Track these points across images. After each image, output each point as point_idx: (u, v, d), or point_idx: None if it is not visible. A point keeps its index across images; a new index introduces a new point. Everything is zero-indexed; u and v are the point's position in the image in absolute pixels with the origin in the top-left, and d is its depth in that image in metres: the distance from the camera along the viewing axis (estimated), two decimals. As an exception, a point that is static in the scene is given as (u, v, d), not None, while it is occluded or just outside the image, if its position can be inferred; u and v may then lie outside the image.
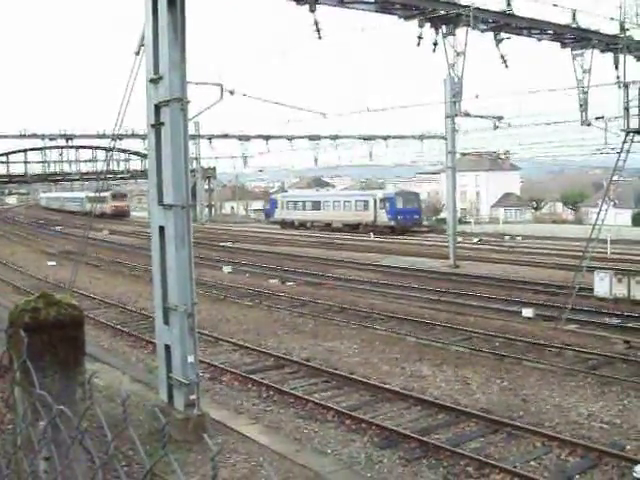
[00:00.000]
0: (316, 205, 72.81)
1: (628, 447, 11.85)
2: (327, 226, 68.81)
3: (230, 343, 19.58)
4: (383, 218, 63.63)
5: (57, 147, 76.33)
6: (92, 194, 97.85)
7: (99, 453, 2.26)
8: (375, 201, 64.70)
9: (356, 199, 68.74)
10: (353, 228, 65.18)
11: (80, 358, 2.91)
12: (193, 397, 11.91)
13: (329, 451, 11.74)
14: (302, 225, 71.99)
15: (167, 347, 12.25)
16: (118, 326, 21.74)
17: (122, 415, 2.31)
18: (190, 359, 11.88)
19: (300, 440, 12.25)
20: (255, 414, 13.67)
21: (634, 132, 19.09)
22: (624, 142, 19.46)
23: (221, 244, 51.56)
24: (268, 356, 18.17)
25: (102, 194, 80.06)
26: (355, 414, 13.40)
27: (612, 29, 27.58)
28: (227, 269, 35.79)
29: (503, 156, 79.93)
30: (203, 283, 29.40)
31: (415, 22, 28.90)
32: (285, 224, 74.50)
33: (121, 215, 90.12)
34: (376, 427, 12.71)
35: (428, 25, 29.54)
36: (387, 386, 15.27)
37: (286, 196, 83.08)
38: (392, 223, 62.84)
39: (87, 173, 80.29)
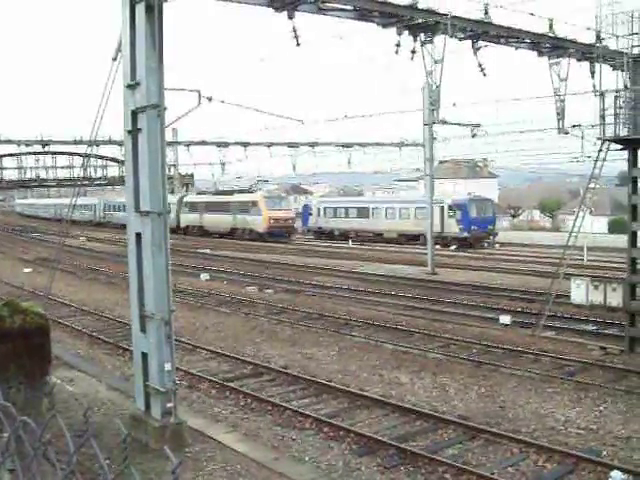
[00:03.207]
0: (363, 212, 63.07)
1: (604, 453, 11.90)
2: (376, 237, 60.45)
3: (208, 351, 19.49)
4: (453, 228, 54.50)
5: (33, 153, 75.82)
6: (113, 199, 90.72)
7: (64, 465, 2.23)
8: (442, 208, 54.01)
9: (417, 206, 56.23)
10: (411, 239, 55.84)
11: (46, 368, 2.88)
12: (170, 405, 11.82)
13: (307, 459, 11.69)
14: (343, 235, 63.19)
15: (144, 355, 12.17)
16: (95, 334, 21.57)
17: (85, 426, 2.28)
18: (167, 367, 11.80)
19: (278, 448, 12.20)
20: (233, 422, 13.60)
21: (610, 140, 19.23)
22: (600, 150, 19.60)
23: (199, 251, 51.38)
24: (246, 364, 18.10)
25: (247, 196, 65.78)
26: (333, 421, 13.37)
27: (588, 38, 27.83)
28: (205, 276, 35.65)
29: (481, 164, 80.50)
30: (181, 290, 29.30)
31: (393, 30, 28.97)
32: (322, 234, 66.80)
33: (282, 235, 62.66)
34: (354, 434, 12.68)
35: (406, 33, 29.60)
36: (365, 393, 15.25)
37: (324, 201, 75.21)
38: (464, 234, 53.96)
39: (64, 179, 79.83)
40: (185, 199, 74.51)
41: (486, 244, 55.49)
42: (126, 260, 12.82)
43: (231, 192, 70.49)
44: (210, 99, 14.72)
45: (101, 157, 79.20)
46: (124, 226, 13.40)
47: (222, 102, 18.46)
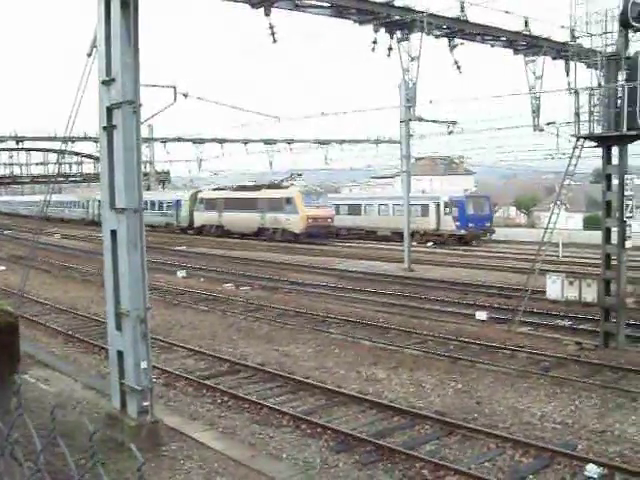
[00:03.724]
0: (355, 209, 62.21)
1: (580, 447, 12.00)
2: (369, 234, 59.37)
3: (184, 348, 19.40)
4: (449, 226, 54.45)
5: (7, 149, 75.16)
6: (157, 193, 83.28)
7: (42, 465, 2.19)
8: (438, 205, 54.92)
9: (411, 203, 54.23)
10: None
11: (15, 366, 2.84)
12: (146, 404, 11.74)
13: (284, 456, 11.67)
14: (333, 233, 58.88)
15: (120, 353, 12.08)
16: (70, 332, 21.39)
17: (52, 424, 2.24)
18: (143, 365, 11.72)
19: (255, 445, 12.17)
20: (210, 420, 13.54)
21: (584, 138, 19.36)
22: (575, 147, 19.72)
23: (176, 248, 51.17)
24: (223, 361, 18.04)
25: (280, 191, 58.42)
26: (310, 418, 13.36)
27: (563, 37, 28.02)
28: (181, 274, 35.50)
29: (457, 161, 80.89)
30: (157, 288, 29.18)
31: (370, 27, 29.02)
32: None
33: (320, 236, 56.16)
34: (331, 431, 12.67)
35: (383, 30, 29.66)
36: (342, 390, 15.25)
37: None
38: (461, 232, 53.88)
39: (38, 176, 79.24)
40: (200, 195, 68.36)
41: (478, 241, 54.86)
42: (101, 257, 12.72)
43: (258, 187, 62.44)
44: (186, 95, 14.69)
45: (76, 154, 78.73)
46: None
47: (198, 98, 18.42)
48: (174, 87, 12.96)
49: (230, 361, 17.96)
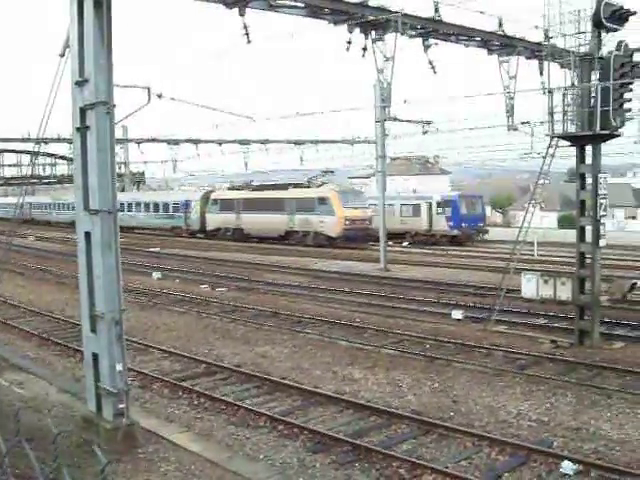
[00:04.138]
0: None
1: (555, 444, 12.08)
2: None
3: (160, 350, 19.30)
4: (442, 226, 53.39)
5: (-22, 151, 74.49)
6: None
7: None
8: (430, 205, 54.22)
9: (402, 203, 55.52)
10: (394, 237, 50.14)
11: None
12: (122, 406, 11.67)
13: (261, 457, 11.64)
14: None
15: (95, 356, 11.99)
16: (44, 335, 21.20)
17: (17, 426, 2.22)
18: (118, 367, 11.65)
19: (232, 447, 12.13)
20: (186, 422, 13.48)
21: (558, 137, 19.50)
22: (549, 147, 19.85)
23: (151, 250, 50.93)
24: (199, 363, 17.96)
25: (312, 191, 53.06)
26: (287, 419, 13.34)
27: (537, 37, 28.20)
28: (157, 275, 35.33)
29: (432, 160, 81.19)
30: (132, 290, 29.01)
31: (344, 27, 29.03)
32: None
33: (358, 239, 50.51)
34: (308, 432, 12.67)
35: (357, 30, 29.69)
36: (319, 390, 15.25)
37: None
38: (454, 232, 52.77)
39: (11, 178, 78.50)
40: (214, 195, 63.24)
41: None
42: (76, 259, 12.63)
43: (283, 186, 56.83)
44: (160, 96, 14.62)
45: (50, 155, 78.03)
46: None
47: (172, 99, 18.34)
48: (148, 88, 12.91)
49: (206, 362, 17.89)
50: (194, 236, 64.48)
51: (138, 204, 72.63)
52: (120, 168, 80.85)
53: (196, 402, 14.72)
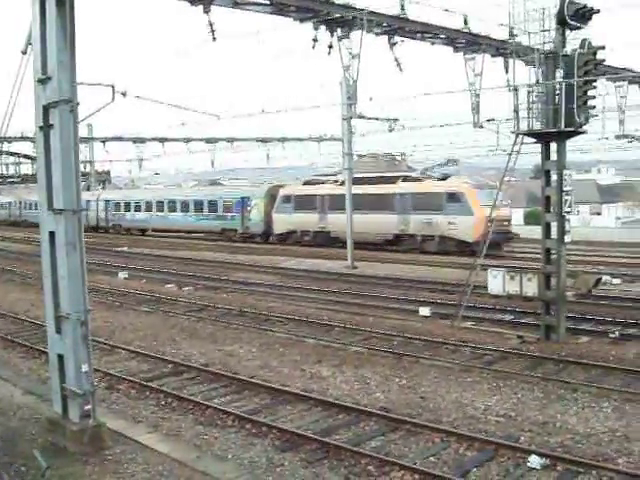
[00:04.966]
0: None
1: (522, 438, 12.17)
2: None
3: (127, 351, 19.15)
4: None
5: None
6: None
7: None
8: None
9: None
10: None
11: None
12: (88, 407, 11.57)
13: (230, 456, 11.59)
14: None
15: (60, 357, 11.87)
16: (9, 336, 20.92)
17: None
18: (84, 368, 11.54)
19: (200, 447, 12.06)
20: (154, 422, 13.38)
21: (523, 134, 19.64)
22: (514, 144, 20.00)
23: (117, 249, 50.54)
24: (166, 362, 17.85)
25: (437, 185, 43.55)
26: (255, 418, 13.29)
27: (502, 35, 28.43)
28: (123, 275, 35.06)
29: (399, 158, 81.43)
30: (98, 290, 28.79)
31: (310, 25, 29.05)
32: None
33: (498, 243, 38.57)
34: (277, 430, 12.63)
35: (323, 28, 29.73)
36: (287, 389, 15.22)
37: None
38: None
39: (-26, 178, 77.53)
40: (284, 191, 52.69)
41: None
42: (40, 260, 12.47)
43: (390, 178, 46.56)
44: (124, 94, 14.51)
45: (13, 154, 77.04)
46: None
47: (137, 97, 18.17)
48: (112, 86, 12.75)
49: (173, 362, 17.78)
50: (253, 240, 54.30)
51: (172, 202, 63.35)
52: (85, 167, 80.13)
53: (163, 402, 14.62)
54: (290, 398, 14.67)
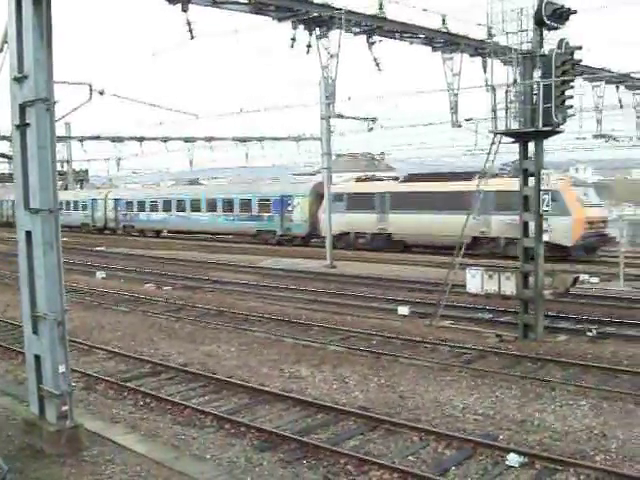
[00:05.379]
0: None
1: (501, 437, 12.22)
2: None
3: (105, 351, 19.03)
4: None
5: None
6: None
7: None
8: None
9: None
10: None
11: None
12: (65, 408, 11.47)
13: (208, 456, 11.54)
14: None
15: (37, 357, 11.76)
16: (-15, 337, 20.76)
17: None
18: (61, 369, 11.45)
19: (178, 447, 12.00)
20: (132, 423, 13.30)
21: (501, 133, 19.73)
22: (492, 143, 20.09)
23: (95, 249, 50.25)
24: (144, 363, 17.75)
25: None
26: (234, 418, 13.26)
27: (480, 34, 28.59)
28: (101, 274, 34.86)
29: (378, 157, 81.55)
30: (76, 290, 28.63)
31: (289, 24, 29.06)
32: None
33: (596, 247, 37.66)
34: (255, 430, 12.60)
35: (302, 27, 29.75)
36: (266, 388, 15.19)
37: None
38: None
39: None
40: (334, 189, 42.79)
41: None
42: (17, 259, 12.37)
43: (464, 175, 39.70)
44: (102, 93, 14.37)
45: (-10, 153, 76.31)
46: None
47: (115, 96, 18.09)
48: (90, 84, 12.67)
49: (152, 362, 17.69)
50: (293, 244, 49.81)
51: (195, 201, 58.34)
52: (63, 166, 79.62)
53: (142, 403, 14.54)
54: (269, 398, 14.65)
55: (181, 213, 59.28)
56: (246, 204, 53.49)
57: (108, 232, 67.27)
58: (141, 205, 64.70)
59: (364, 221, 44.93)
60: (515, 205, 31.97)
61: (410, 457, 11.46)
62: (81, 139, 74.02)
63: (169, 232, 62.68)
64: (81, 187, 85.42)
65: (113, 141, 74.04)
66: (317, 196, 47.54)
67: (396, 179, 46.32)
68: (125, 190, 75.31)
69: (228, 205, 54.95)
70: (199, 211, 57.80)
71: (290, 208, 50.49)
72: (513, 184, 36.81)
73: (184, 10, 24.09)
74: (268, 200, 52.03)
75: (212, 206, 56.50)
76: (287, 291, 28.98)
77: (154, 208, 62.94)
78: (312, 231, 48.93)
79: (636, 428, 12.46)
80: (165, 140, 71.73)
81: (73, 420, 11.57)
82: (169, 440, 12.33)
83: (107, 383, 15.87)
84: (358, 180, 50.09)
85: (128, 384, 15.68)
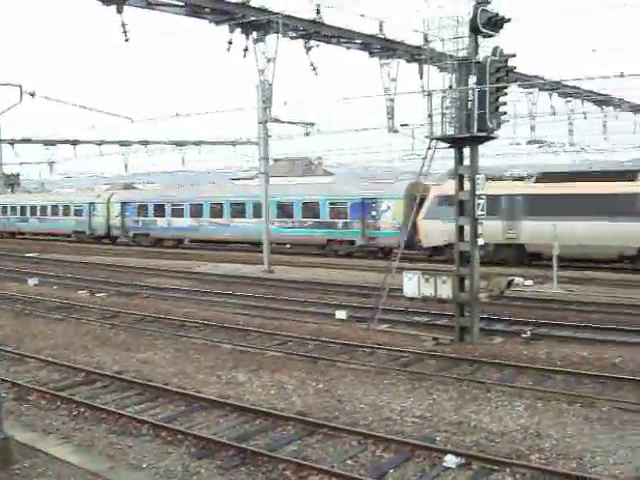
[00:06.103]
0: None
1: (438, 439, 12.29)
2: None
3: (37, 359, 18.57)
4: None
5: None
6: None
7: None
8: None
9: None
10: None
11: None
12: (-5, 419, 11.16)
13: (145, 465, 11.33)
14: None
15: (-35, 367, 11.42)
16: None
17: None
18: (-9, 378, 11.13)
19: (114, 456, 11.75)
20: (65, 433, 12.98)
21: (437, 139, 19.91)
22: (428, 148, 20.26)
23: (27, 255, 49.20)
24: (78, 371, 17.38)
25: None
26: (170, 425, 13.05)
27: (417, 40, 28.88)
28: (33, 281, 34.03)
29: (316, 162, 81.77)
30: (6, 297, 28.00)
31: (226, 27, 28.92)
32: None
33: None
34: (192, 437, 12.43)
35: (239, 30, 29.63)
36: (203, 395, 15.01)
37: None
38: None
39: None
40: (437, 191, 37.04)
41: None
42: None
43: (624, 174, 34.51)
44: (33, 95, 14.08)
45: None
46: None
47: (46, 98, 17.72)
48: (20, 86, 12.38)
49: (86, 370, 17.33)
50: (376, 257, 41.39)
51: (238, 205, 49.26)
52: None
53: (75, 412, 14.21)
54: (206, 404, 14.48)
55: (217, 220, 49.96)
56: (311, 209, 45.33)
57: (108, 242, 59.27)
58: (159, 209, 54.49)
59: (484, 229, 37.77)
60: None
61: (348, 461, 11.43)
62: (12, 142, 72.45)
63: (196, 241, 53.57)
64: (12, 191, 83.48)
65: (45, 144, 72.63)
66: (412, 199, 34.76)
67: (529, 179, 37.30)
68: (134, 192, 66.06)
69: (286, 210, 46.30)
70: (243, 217, 48.58)
71: (374, 213, 42.64)
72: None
73: (119, 12, 23.77)
74: (344, 204, 43.99)
75: (259, 212, 42.53)
76: (224, 296, 28.75)
77: (178, 213, 52.94)
78: (409, 240, 33.87)
79: (569, 427, 12.70)
80: (99, 144, 70.66)
81: (3, 432, 11.25)
82: (104, 450, 12.07)
83: (39, 393, 15.46)
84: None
85: (61, 393, 15.32)
